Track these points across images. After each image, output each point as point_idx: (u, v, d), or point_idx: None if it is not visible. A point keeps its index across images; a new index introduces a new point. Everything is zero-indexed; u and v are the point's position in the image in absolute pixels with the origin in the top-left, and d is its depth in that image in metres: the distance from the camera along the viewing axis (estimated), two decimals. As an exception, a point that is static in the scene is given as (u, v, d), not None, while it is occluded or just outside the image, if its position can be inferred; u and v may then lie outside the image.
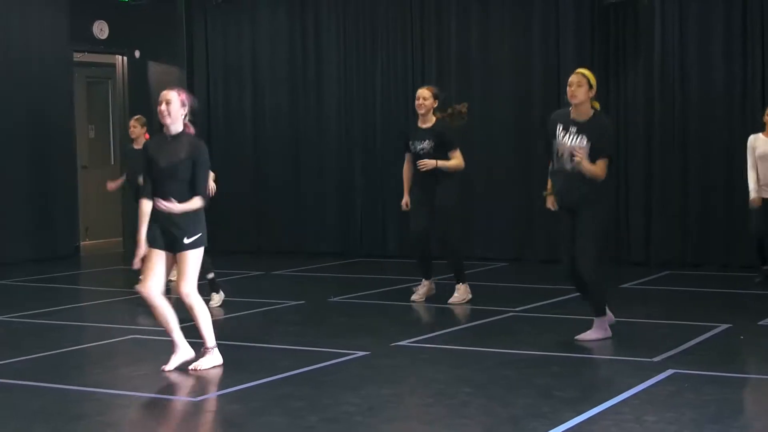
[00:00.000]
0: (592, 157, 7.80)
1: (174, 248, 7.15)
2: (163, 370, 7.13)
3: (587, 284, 8.01)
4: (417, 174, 9.91)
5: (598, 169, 7.80)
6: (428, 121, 9.83)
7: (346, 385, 6.78)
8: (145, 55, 15.90)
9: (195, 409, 6.34)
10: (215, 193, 9.48)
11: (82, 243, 14.99)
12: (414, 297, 10.18)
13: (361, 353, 7.73)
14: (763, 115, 10.76)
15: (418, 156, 9.83)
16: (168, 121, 7.12)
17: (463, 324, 8.93)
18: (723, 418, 5.80)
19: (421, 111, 9.83)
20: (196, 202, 7.11)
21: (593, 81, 7.90)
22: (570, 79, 7.93)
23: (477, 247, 13.34)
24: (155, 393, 6.85)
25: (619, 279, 11.21)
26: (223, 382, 6.89)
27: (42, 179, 14.13)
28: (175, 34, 15.65)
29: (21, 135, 13.89)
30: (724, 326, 8.56)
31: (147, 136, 10.63)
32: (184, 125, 7.19)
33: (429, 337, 8.42)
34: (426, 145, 9.73)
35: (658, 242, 12.73)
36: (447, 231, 10.01)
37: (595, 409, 6.02)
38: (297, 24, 14.90)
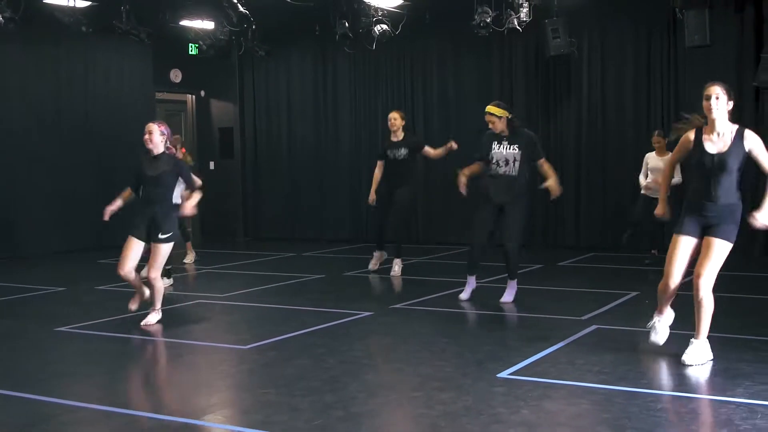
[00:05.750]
0: (527, 159, 7.89)
1: (150, 239, 7.23)
2: (130, 310, 7.47)
3: (511, 257, 8.02)
4: (387, 175, 10.02)
5: (550, 171, 7.93)
6: (399, 136, 9.93)
7: (356, 337, 6.80)
8: (208, 94, 15.92)
9: (244, 354, 6.34)
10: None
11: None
12: (369, 266, 10.24)
13: (367, 313, 7.74)
14: (651, 139, 10.72)
15: (395, 161, 9.92)
16: (150, 146, 7.30)
17: (442, 292, 8.92)
18: (632, 361, 5.81)
19: (393, 128, 9.97)
20: (196, 196, 7.27)
21: (499, 112, 7.96)
22: (486, 118, 8.01)
23: (452, 234, 13.33)
24: (215, 342, 6.85)
25: (555, 258, 11.21)
26: (264, 334, 6.88)
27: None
28: (231, 79, 15.65)
29: (115, 154, 13.85)
30: (633, 293, 8.56)
31: (183, 150, 10.21)
32: (166, 148, 7.35)
33: (417, 302, 8.42)
34: (402, 152, 9.85)
35: (585, 231, 12.73)
36: (400, 219, 10.04)
37: (538, 354, 6.02)
38: (320, 71, 14.90)
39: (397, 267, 10.13)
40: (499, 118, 7.93)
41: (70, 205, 13.23)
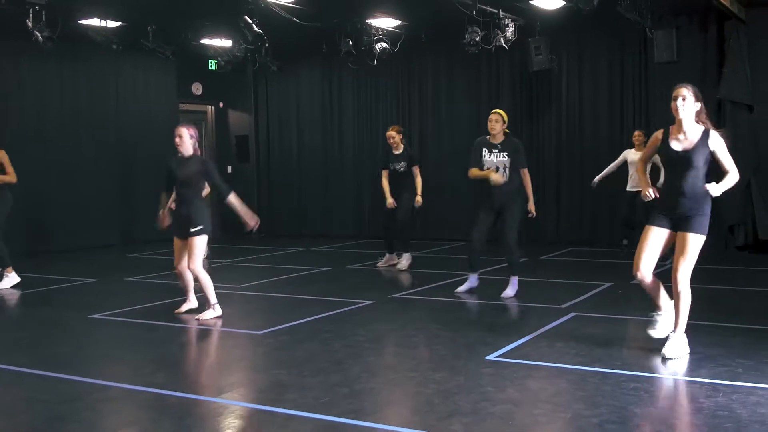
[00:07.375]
0: (515, 167, 7.78)
1: (185, 235, 6.99)
2: (176, 313, 7.18)
3: (511, 254, 7.83)
4: (391, 184, 9.94)
5: (529, 185, 7.89)
6: (399, 149, 9.91)
7: (359, 323, 6.79)
8: (226, 105, 15.91)
9: (259, 339, 6.34)
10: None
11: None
12: (378, 264, 10.21)
13: (368, 302, 7.74)
14: (631, 137, 10.81)
15: (397, 172, 9.92)
16: (182, 149, 6.99)
17: (436, 283, 8.93)
18: (608, 344, 5.81)
19: (393, 145, 9.92)
20: (232, 197, 6.85)
21: (506, 117, 7.91)
22: (490, 116, 7.88)
23: (447, 231, 13.33)
24: (233, 329, 6.85)
25: (538, 253, 11.20)
26: (277, 321, 6.88)
27: (157, 188, 14.11)
28: (246, 91, 15.65)
29: (143, 158, 13.91)
30: (607, 284, 8.57)
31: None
32: (194, 149, 7.04)
33: (414, 292, 8.43)
34: (402, 165, 9.85)
35: (565, 228, 12.74)
36: (406, 219, 9.95)
37: (522, 339, 6.03)
38: (326, 85, 14.90)
39: (404, 261, 10.05)
40: (504, 122, 7.85)
41: (101, 206, 13.30)
